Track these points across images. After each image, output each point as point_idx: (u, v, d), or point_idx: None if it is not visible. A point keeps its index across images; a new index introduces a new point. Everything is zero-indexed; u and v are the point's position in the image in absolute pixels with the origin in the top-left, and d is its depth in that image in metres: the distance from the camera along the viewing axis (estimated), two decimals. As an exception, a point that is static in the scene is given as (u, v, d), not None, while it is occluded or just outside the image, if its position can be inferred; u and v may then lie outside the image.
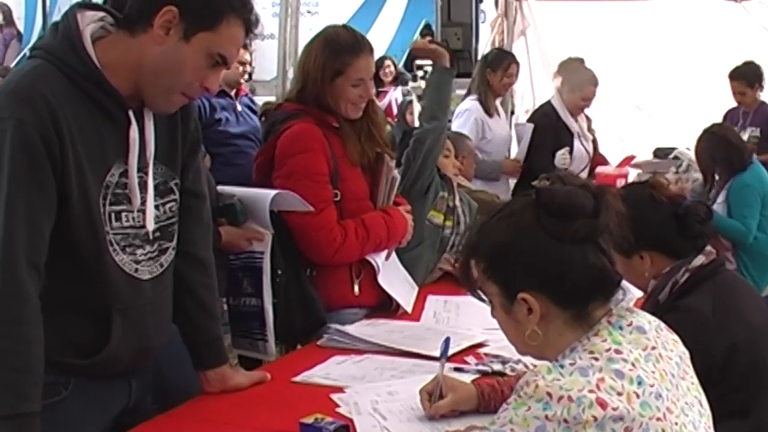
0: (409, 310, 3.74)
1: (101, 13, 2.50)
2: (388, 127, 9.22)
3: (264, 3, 15.85)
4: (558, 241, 2.01)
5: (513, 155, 7.24)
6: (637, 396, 1.85)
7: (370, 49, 3.65)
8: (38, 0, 20.99)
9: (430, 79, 4.28)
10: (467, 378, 2.82)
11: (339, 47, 3.58)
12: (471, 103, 6.97)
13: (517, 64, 7.25)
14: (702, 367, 2.20)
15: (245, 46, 2.57)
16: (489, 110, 6.97)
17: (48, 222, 2.37)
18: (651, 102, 8.77)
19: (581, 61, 7.15)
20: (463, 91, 7.16)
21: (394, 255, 3.84)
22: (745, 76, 7.43)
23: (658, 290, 3.04)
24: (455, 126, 6.86)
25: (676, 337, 2.10)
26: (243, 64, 6.00)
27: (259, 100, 6.06)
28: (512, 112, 9.18)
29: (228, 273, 3.51)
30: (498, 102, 7.24)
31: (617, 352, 1.92)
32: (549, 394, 1.83)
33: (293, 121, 3.58)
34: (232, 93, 5.96)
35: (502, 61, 7.12)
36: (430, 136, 4.24)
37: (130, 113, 2.49)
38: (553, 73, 7.27)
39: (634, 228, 2.66)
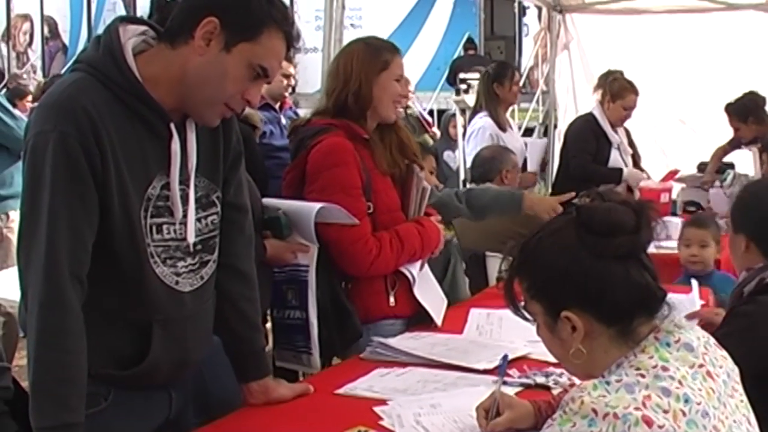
0: (439, 323, 3.74)
1: (143, 27, 2.53)
2: (431, 141, 9.26)
3: (307, 17, 15.97)
4: (600, 258, 2.01)
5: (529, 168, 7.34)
6: (684, 414, 1.84)
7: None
8: (83, 13, 21.22)
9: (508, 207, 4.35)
10: (510, 391, 2.81)
11: (379, 46, 3.73)
12: (483, 121, 7.00)
13: (519, 71, 7.34)
14: (758, 366, 2.18)
15: (289, 60, 2.58)
16: (501, 125, 6.98)
17: (90, 233, 2.39)
18: (695, 116, 8.72)
19: (621, 73, 7.15)
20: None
21: (426, 267, 3.85)
22: (735, 111, 7.31)
23: (746, 282, 3.13)
24: (472, 145, 6.90)
25: (725, 354, 2.08)
26: (287, 77, 6.01)
27: (303, 113, 6.09)
28: (555, 126, 9.18)
29: (272, 286, 3.52)
30: (508, 115, 7.28)
31: (664, 369, 1.91)
32: (594, 411, 1.82)
33: (323, 136, 3.61)
34: (276, 106, 5.98)
35: (506, 71, 7.17)
36: (446, 208, 4.23)
37: (172, 126, 2.50)
38: (594, 86, 7.28)
39: (747, 211, 3.26)
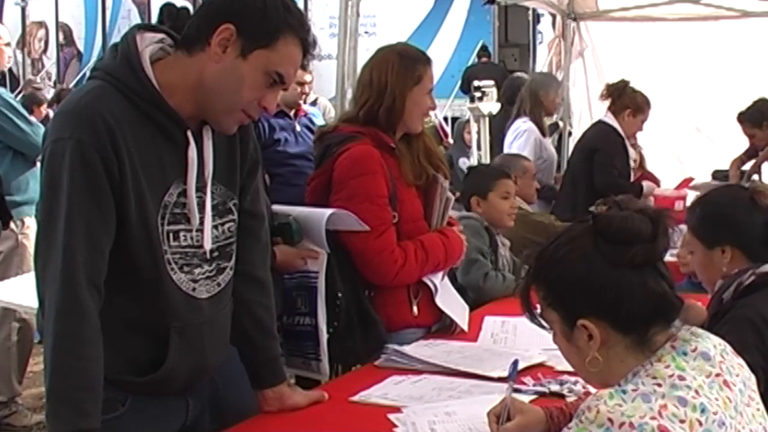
0: (465, 328, 3.75)
1: (160, 35, 2.54)
2: (442, 149, 9.28)
3: (322, 23, 15.99)
4: (616, 267, 2.00)
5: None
6: (700, 424, 1.83)
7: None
8: (98, 20, 21.28)
9: None
10: (525, 399, 2.80)
11: (413, 57, 3.69)
12: (528, 124, 7.01)
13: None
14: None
15: (303, 68, 2.58)
16: (543, 131, 7.01)
17: (107, 240, 2.40)
18: (710, 124, 8.69)
19: (628, 83, 7.11)
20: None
21: (446, 277, 3.85)
22: (749, 117, 7.28)
23: (723, 290, 3.10)
24: (515, 147, 6.90)
25: (742, 361, 2.08)
26: (302, 84, 6.02)
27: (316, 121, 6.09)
28: (570, 134, 9.15)
29: (282, 292, 3.52)
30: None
31: (681, 378, 1.90)
32: (610, 420, 1.81)
33: (351, 144, 3.60)
34: (291, 113, 5.98)
35: (554, 82, 7.25)
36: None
37: (189, 133, 2.51)
38: (602, 94, 7.19)
39: (725, 222, 3.16)
